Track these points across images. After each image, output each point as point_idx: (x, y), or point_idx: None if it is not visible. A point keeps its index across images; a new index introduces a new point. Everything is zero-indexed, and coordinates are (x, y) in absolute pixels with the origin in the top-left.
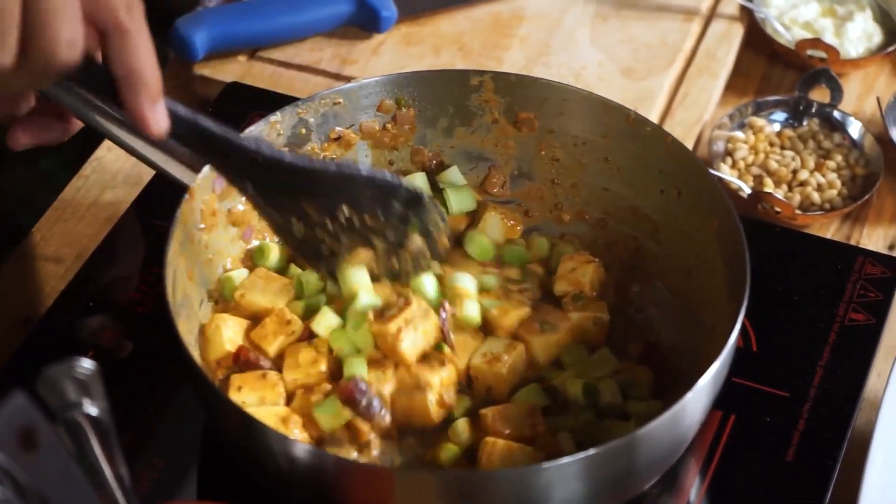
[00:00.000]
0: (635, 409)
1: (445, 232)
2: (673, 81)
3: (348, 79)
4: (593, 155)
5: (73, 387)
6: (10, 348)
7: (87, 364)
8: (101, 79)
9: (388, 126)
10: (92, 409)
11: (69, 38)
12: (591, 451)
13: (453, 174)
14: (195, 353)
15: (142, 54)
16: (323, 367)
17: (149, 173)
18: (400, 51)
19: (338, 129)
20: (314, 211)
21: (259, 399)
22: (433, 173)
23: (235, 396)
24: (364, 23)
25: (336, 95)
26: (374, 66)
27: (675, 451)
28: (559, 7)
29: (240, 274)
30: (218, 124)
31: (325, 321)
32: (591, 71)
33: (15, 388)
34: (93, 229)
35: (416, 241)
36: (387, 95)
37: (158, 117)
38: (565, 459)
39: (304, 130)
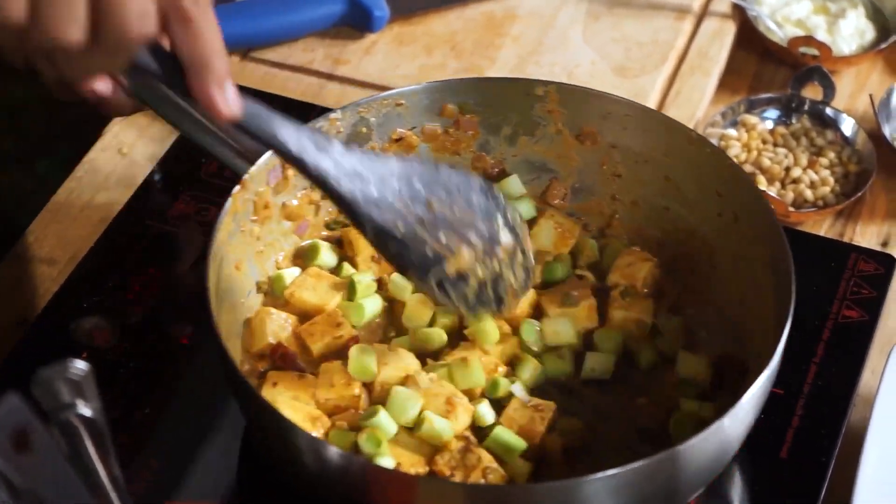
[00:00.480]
0: (688, 407)
1: (525, 233)
2: (665, 79)
3: (341, 79)
4: (654, 173)
5: (67, 388)
6: (5, 350)
7: (80, 365)
8: (168, 65)
9: (451, 130)
10: (86, 410)
11: (140, 10)
12: (631, 466)
13: (513, 183)
14: (233, 346)
15: (207, 41)
16: (357, 390)
17: (142, 174)
18: (392, 51)
19: (399, 130)
20: (413, 204)
21: (292, 397)
22: (494, 181)
23: (269, 392)
24: (356, 23)
25: (398, 97)
26: (366, 66)
27: (717, 467)
28: (552, 6)
29: (291, 272)
30: (285, 120)
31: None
32: (583, 69)
33: (9, 389)
34: (86, 231)
35: (508, 237)
36: (449, 100)
37: (228, 99)
38: (601, 474)
39: (364, 129)
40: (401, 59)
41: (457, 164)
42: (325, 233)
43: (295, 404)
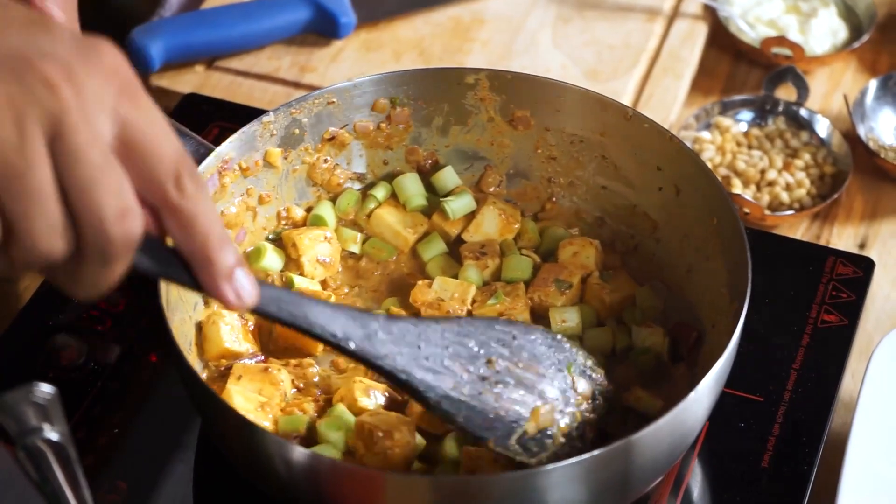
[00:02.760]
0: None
1: (600, 370)
2: (637, 82)
3: (308, 87)
4: (590, 153)
5: (33, 412)
6: None
7: (46, 388)
8: (171, 262)
9: (383, 125)
10: (52, 435)
11: (119, 208)
12: (586, 456)
13: (448, 174)
14: (189, 357)
15: (203, 232)
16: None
17: None
18: (360, 57)
19: (332, 129)
20: (466, 369)
21: (257, 391)
22: (428, 174)
23: (233, 385)
24: (322, 29)
25: (330, 94)
26: (333, 73)
27: (677, 452)
28: (521, 9)
29: None
30: (314, 302)
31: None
32: (554, 74)
33: None
34: None
35: (584, 385)
36: (381, 94)
37: (241, 291)
38: (558, 464)
39: (297, 131)
40: (369, 66)
41: (390, 160)
42: (265, 238)
43: (248, 394)
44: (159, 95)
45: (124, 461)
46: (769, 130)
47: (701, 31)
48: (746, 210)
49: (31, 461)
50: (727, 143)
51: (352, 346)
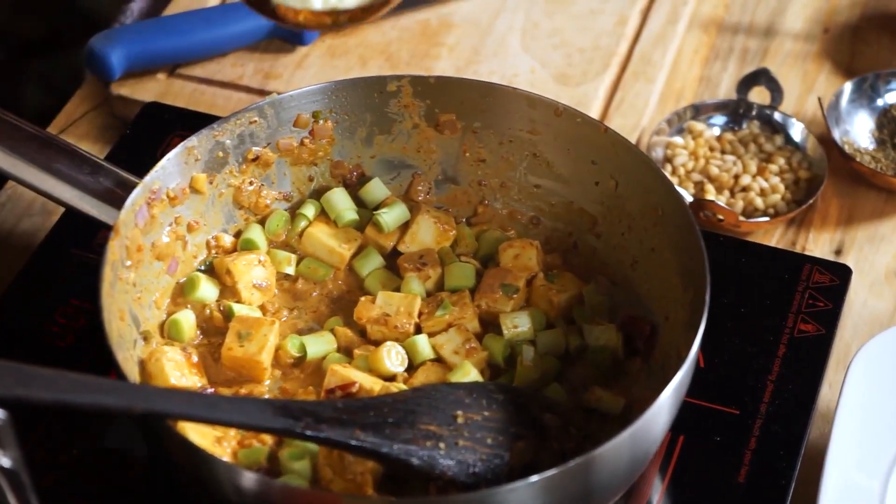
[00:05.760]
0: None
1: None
2: (608, 86)
3: (273, 94)
4: (521, 152)
5: None
6: None
7: None
8: None
9: (306, 141)
10: (4, 461)
11: None
12: (545, 474)
13: (376, 186)
14: None
15: None
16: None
17: None
18: (325, 63)
19: (255, 149)
20: (436, 426)
21: (210, 425)
22: (355, 187)
23: (186, 422)
24: (287, 35)
25: (251, 114)
26: (298, 79)
27: (638, 467)
28: (489, 13)
29: (185, 316)
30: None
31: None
32: (523, 78)
33: None
34: (9, 260)
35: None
36: (302, 109)
37: None
38: (517, 483)
39: (221, 154)
40: (334, 72)
41: (315, 176)
42: (197, 268)
43: (202, 430)
44: (120, 104)
45: (85, 482)
46: (743, 135)
47: (673, 34)
48: (721, 217)
49: None
50: (700, 148)
51: (314, 434)
